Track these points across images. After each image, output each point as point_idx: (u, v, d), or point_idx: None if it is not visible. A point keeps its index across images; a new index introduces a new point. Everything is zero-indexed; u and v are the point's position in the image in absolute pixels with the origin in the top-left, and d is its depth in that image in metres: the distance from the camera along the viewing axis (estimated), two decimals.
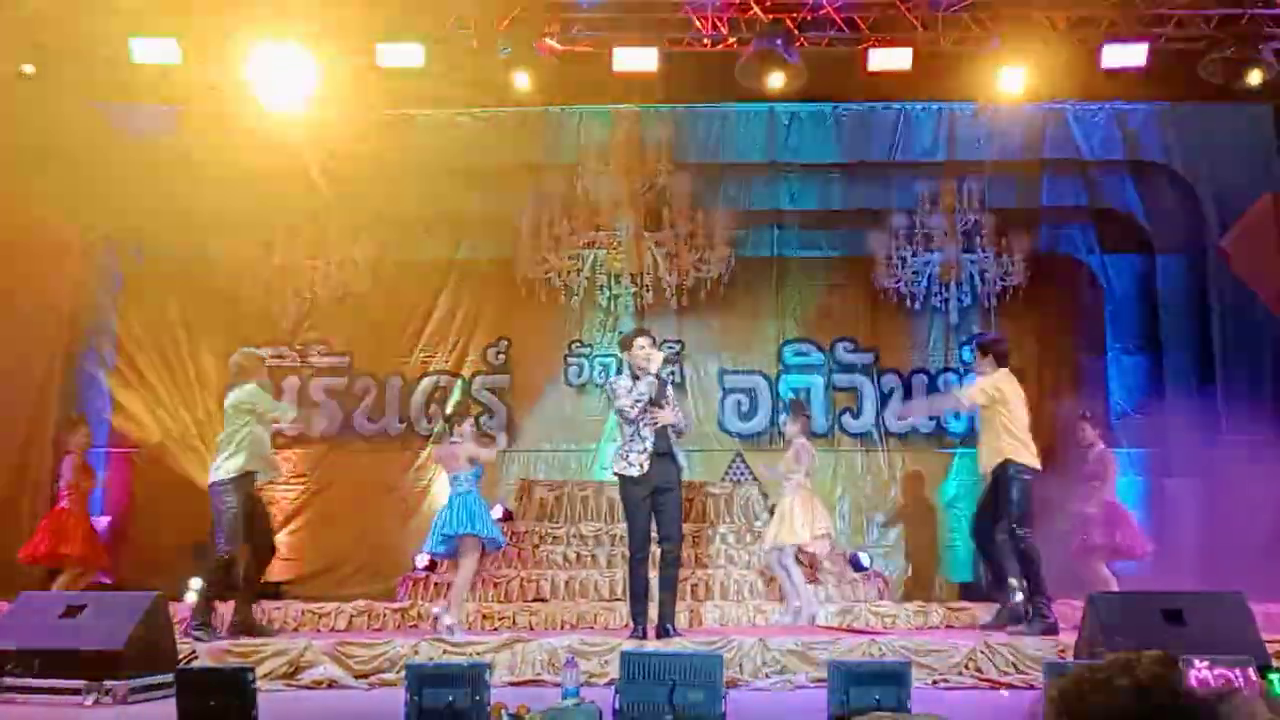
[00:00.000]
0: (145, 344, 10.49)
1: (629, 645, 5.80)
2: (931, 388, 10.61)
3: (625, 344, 6.72)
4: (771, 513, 8.70)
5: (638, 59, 9.67)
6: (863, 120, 10.71)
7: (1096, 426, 9.05)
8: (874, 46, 9.61)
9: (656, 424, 6.44)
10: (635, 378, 6.51)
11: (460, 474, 7.13)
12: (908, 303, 10.66)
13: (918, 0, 9.34)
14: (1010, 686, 5.84)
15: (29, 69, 9.14)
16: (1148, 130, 10.51)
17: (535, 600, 8.64)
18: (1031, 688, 5.70)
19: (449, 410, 7.62)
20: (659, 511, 6.48)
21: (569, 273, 10.67)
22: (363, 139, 10.58)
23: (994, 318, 10.57)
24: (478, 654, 6.02)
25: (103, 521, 9.66)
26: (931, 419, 10.56)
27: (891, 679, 4.60)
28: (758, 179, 10.86)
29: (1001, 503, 6.95)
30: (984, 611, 7.84)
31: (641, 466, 6.38)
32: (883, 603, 8.71)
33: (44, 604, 5.94)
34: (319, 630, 8.07)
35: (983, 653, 6.11)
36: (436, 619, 6.86)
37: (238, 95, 9.39)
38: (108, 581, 9.15)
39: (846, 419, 10.68)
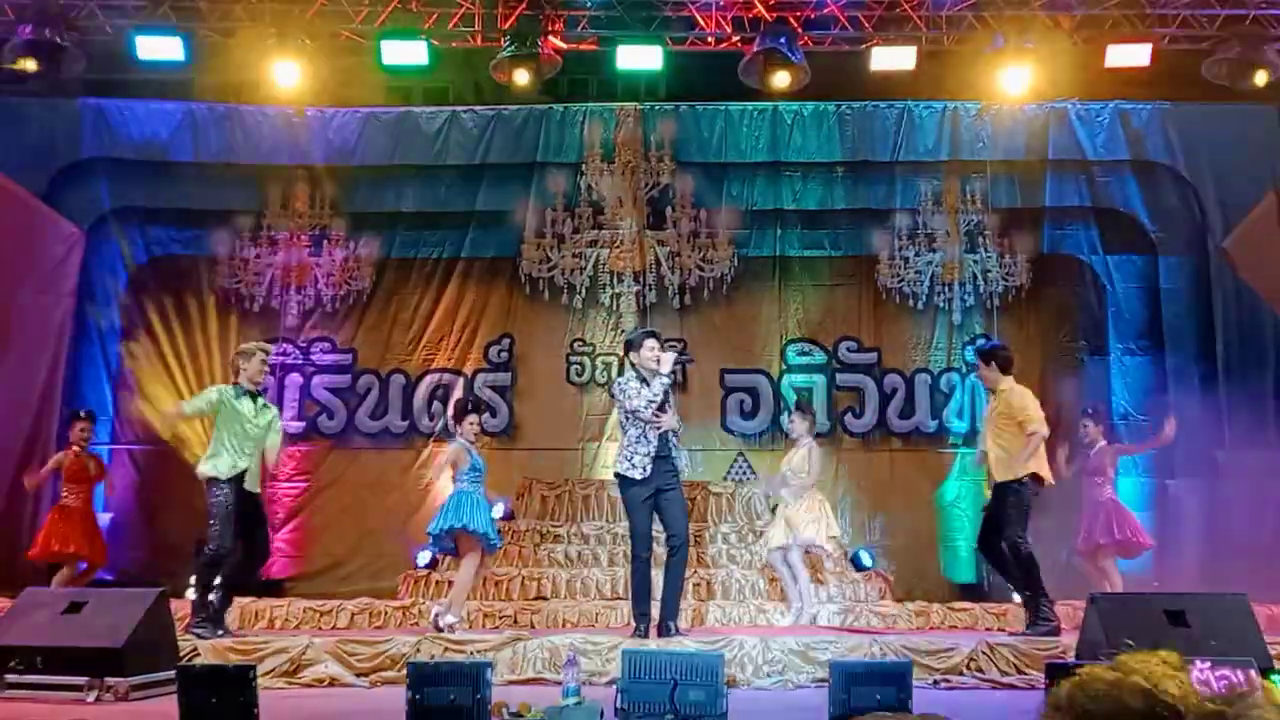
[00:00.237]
0: (147, 341, 10.49)
1: (630, 644, 5.79)
2: (934, 388, 10.59)
3: (633, 345, 6.67)
4: (773, 511, 8.70)
5: (641, 57, 9.68)
6: (866, 119, 10.70)
7: (1099, 423, 9.03)
8: (877, 45, 9.60)
9: (661, 427, 6.44)
10: (642, 379, 6.49)
11: (463, 472, 7.15)
12: (910, 302, 10.65)
13: None
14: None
15: (31, 65, 9.14)
16: (1151, 130, 10.49)
17: (536, 598, 8.64)
18: (1033, 688, 5.69)
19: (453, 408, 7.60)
20: (663, 510, 6.47)
21: (572, 271, 10.67)
22: (366, 136, 10.62)
23: (996, 318, 10.56)
24: (479, 652, 6.02)
25: (105, 518, 9.66)
26: (934, 419, 10.55)
27: (892, 679, 4.60)
28: (761, 178, 10.85)
29: (1006, 513, 6.86)
30: (984, 612, 7.83)
31: (645, 469, 6.39)
32: (884, 602, 8.71)
33: (46, 601, 5.94)
34: (320, 628, 8.07)
35: (984, 653, 6.11)
36: (437, 617, 6.84)
37: (241, 92, 9.41)
38: (109, 578, 9.15)
39: (849, 419, 10.67)
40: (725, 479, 10.32)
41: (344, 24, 9.51)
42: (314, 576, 10.15)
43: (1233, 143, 10.32)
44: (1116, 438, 9.85)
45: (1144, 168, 10.56)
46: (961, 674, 6.03)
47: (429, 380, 10.68)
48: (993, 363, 7.10)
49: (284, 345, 10.45)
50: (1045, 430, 6.85)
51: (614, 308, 10.73)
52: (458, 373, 10.71)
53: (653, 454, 6.41)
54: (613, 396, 9.94)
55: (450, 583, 8.60)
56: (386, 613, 8.31)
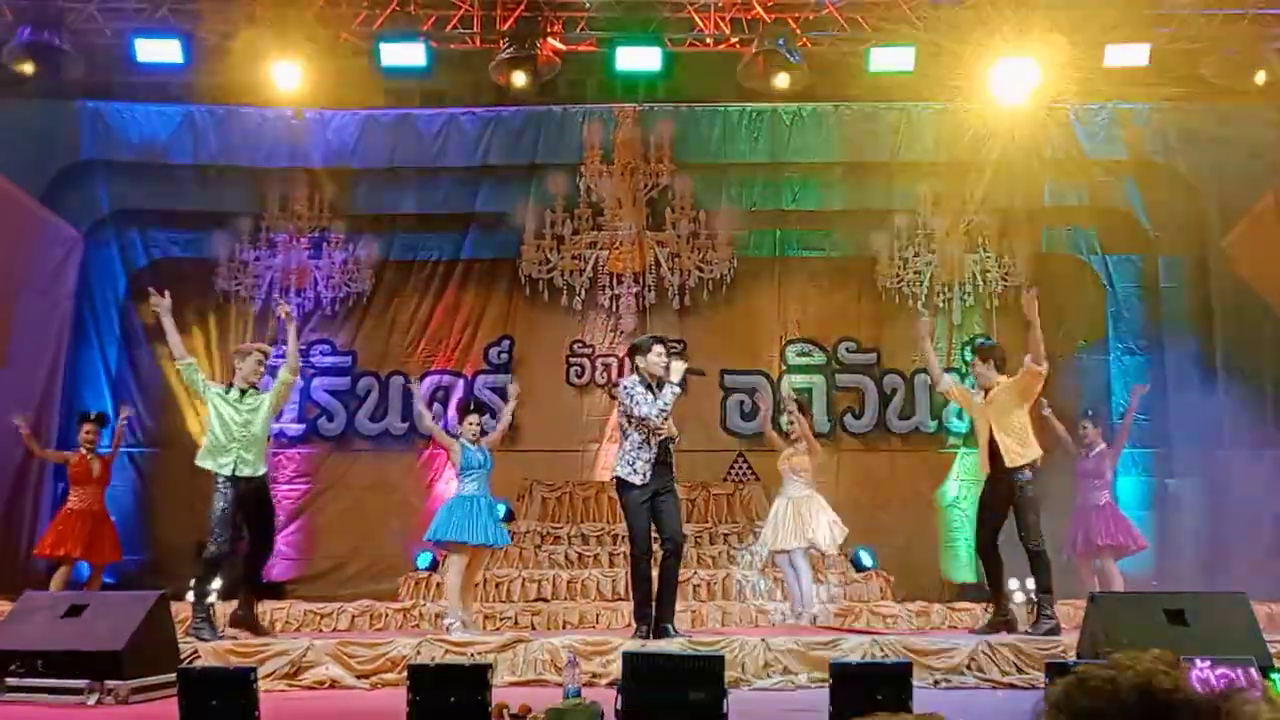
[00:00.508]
0: (146, 344, 10.50)
1: (631, 645, 5.79)
2: (933, 388, 10.56)
3: (640, 350, 6.61)
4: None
5: (640, 58, 9.69)
6: (865, 120, 10.70)
7: (1097, 425, 9.04)
8: (876, 46, 9.61)
9: (663, 434, 6.46)
10: (647, 384, 6.48)
11: (471, 474, 7.17)
12: (910, 303, 10.65)
13: (919, 0, 9.34)
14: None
15: (30, 68, 9.15)
16: (1150, 130, 10.49)
17: (537, 600, 8.65)
18: (1034, 688, 5.69)
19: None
20: (660, 512, 6.47)
21: (571, 272, 10.67)
22: (365, 138, 10.62)
23: (996, 318, 10.56)
24: (479, 654, 6.02)
25: None
26: (934, 419, 10.55)
27: (893, 679, 4.59)
28: (760, 179, 10.86)
29: (1023, 511, 6.84)
30: (985, 612, 7.82)
31: (646, 475, 6.40)
32: (884, 602, 8.72)
33: (46, 604, 5.94)
34: (321, 630, 8.08)
35: (984, 653, 6.10)
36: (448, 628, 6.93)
37: (240, 94, 9.42)
38: (110, 581, 9.15)
39: (849, 419, 10.68)
40: (725, 479, 10.32)
41: (342, 26, 9.52)
42: (314, 579, 10.17)
43: (1231, 142, 10.32)
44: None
45: (1143, 168, 10.57)
46: (962, 674, 6.03)
47: (429, 382, 10.67)
48: (990, 360, 7.13)
49: (282, 347, 10.43)
50: (1043, 365, 6.86)
51: (613, 309, 10.74)
52: (458, 374, 10.72)
53: (654, 460, 6.43)
54: (613, 398, 10.02)
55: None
56: (387, 615, 8.32)
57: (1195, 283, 10.40)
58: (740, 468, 10.52)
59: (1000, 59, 9.52)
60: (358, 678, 6.04)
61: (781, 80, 9.47)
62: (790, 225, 10.89)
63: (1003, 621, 6.87)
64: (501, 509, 9.19)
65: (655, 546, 6.57)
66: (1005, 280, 10.60)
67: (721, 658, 4.87)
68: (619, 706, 4.54)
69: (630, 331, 10.53)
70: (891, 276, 10.66)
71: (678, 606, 6.89)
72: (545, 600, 8.64)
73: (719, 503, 9.73)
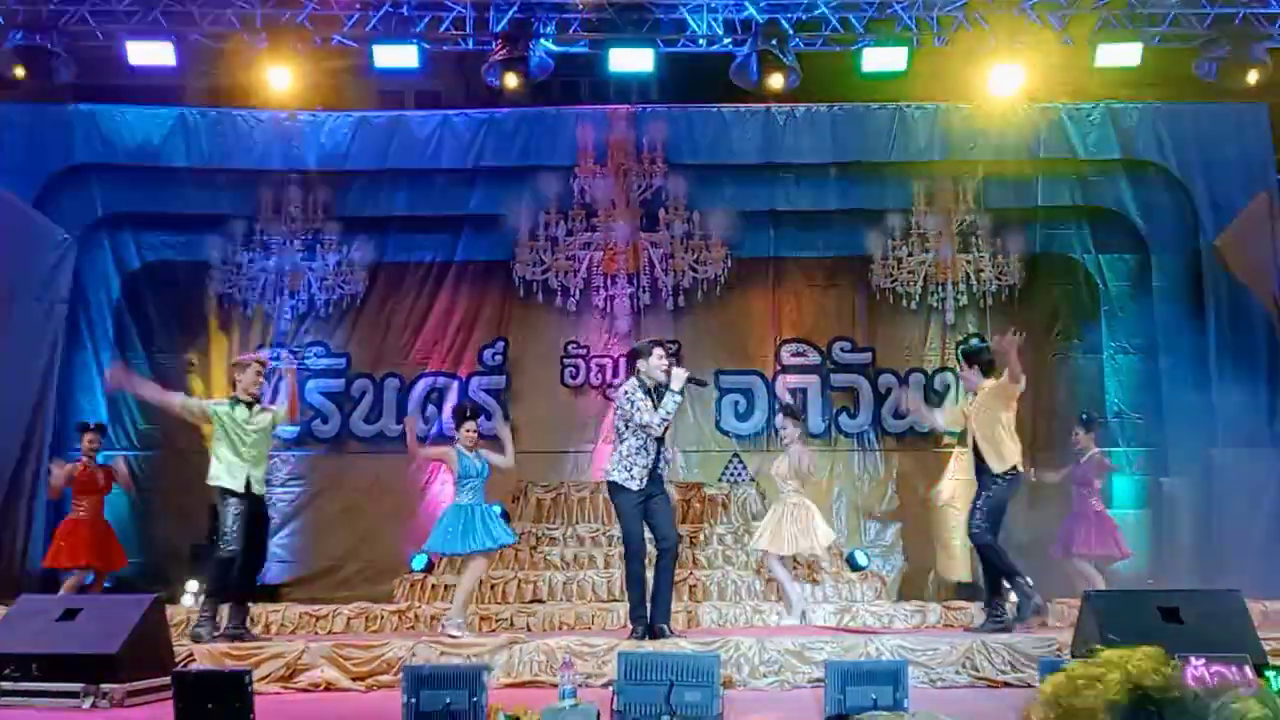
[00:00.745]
0: (140, 347, 10.48)
1: (626, 646, 5.80)
2: (928, 388, 10.62)
3: (641, 354, 6.61)
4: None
5: (633, 59, 9.69)
6: (858, 120, 10.70)
7: (1089, 430, 9.07)
8: (869, 47, 9.63)
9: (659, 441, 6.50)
10: (646, 389, 6.48)
11: (468, 481, 7.19)
12: (904, 303, 10.66)
13: (912, 0, 9.36)
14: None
15: (22, 71, 9.14)
16: (1142, 129, 10.50)
17: (532, 601, 8.64)
18: (1029, 686, 5.70)
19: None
20: (653, 514, 6.49)
21: (565, 274, 10.66)
22: (358, 140, 10.61)
23: (989, 317, 10.57)
24: (475, 655, 6.02)
25: None
26: None
27: (888, 678, 4.61)
28: (754, 179, 10.85)
29: (994, 502, 6.92)
30: (980, 611, 7.84)
31: (642, 480, 6.42)
32: (879, 602, 8.73)
33: (41, 608, 5.94)
34: (316, 633, 8.06)
35: (979, 651, 6.12)
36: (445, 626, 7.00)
37: (233, 97, 9.41)
38: (106, 585, 9.13)
39: (843, 419, 10.69)
40: (720, 480, 10.33)
41: (335, 28, 9.51)
42: (310, 581, 10.14)
43: (1223, 141, 10.36)
44: (1111, 439, 9.93)
45: (1135, 167, 10.59)
46: (957, 673, 6.04)
47: (423, 384, 10.68)
48: (975, 365, 7.19)
49: (278, 350, 10.43)
50: (1021, 383, 6.94)
51: (608, 310, 10.73)
52: (452, 376, 10.70)
53: (650, 466, 6.45)
54: (608, 399, 10.01)
55: (447, 585, 8.64)
56: (383, 617, 8.31)
57: (1188, 282, 10.42)
58: (735, 468, 10.53)
59: (992, 59, 9.55)
60: (353, 680, 6.05)
61: (774, 80, 9.47)
62: (784, 225, 10.88)
63: (999, 621, 6.88)
64: (497, 509, 9.20)
65: (650, 547, 6.59)
66: (999, 279, 10.62)
67: (717, 658, 4.89)
68: (615, 707, 4.55)
69: (625, 333, 10.53)
70: (886, 276, 10.67)
71: (673, 607, 6.91)
72: (541, 601, 8.63)
73: (714, 503, 9.73)
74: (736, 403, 10.72)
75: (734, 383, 10.75)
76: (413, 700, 4.39)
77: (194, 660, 5.98)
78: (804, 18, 9.55)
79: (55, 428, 9.83)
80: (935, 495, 10.39)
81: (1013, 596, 7.04)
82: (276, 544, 10.08)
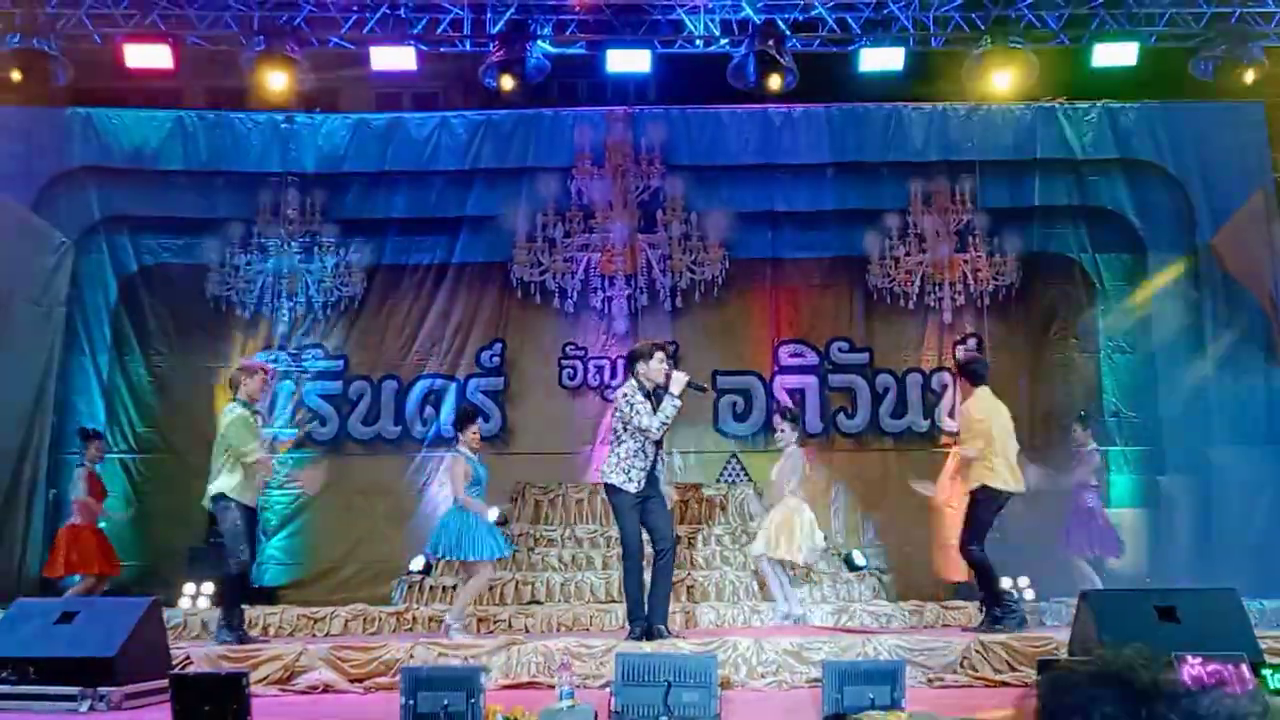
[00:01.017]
0: (138, 350, 10.47)
1: (624, 647, 5.80)
2: (926, 387, 10.63)
3: (641, 356, 6.58)
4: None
5: (630, 61, 9.70)
6: (855, 120, 10.72)
7: (1088, 428, 9.08)
8: (865, 47, 9.64)
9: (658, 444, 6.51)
10: (645, 391, 6.48)
11: (478, 489, 7.20)
12: (901, 302, 10.67)
13: (908, 0, 9.38)
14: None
15: (19, 75, 9.15)
16: (1139, 129, 10.53)
17: (530, 603, 8.64)
18: (1026, 685, 5.70)
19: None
20: (649, 516, 6.49)
21: (563, 275, 10.67)
22: (356, 142, 10.61)
23: (987, 317, 10.58)
24: (473, 657, 6.02)
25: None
26: (926, 418, 10.58)
27: (886, 678, 4.60)
28: (751, 180, 10.86)
29: (968, 519, 7.00)
30: (977, 611, 7.84)
31: (639, 482, 6.42)
32: (877, 602, 8.73)
33: (38, 611, 5.93)
34: (314, 635, 8.06)
35: (977, 651, 6.12)
36: (447, 628, 7.00)
37: (231, 99, 9.41)
38: (104, 588, 9.14)
39: (841, 419, 10.69)
40: (718, 481, 10.33)
41: (332, 30, 9.52)
42: (308, 583, 10.13)
43: (1220, 140, 10.37)
44: (1108, 438, 9.94)
45: (1132, 166, 10.61)
46: (955, 673, 6.04)
47: (421, 386, 10.67)
48: (961, 377, 7.31)
49: (276, 353, 10.44)
50: (972, 453, 6.95)
51: (606, 311, 10.73)
52: (450, 378, 10.70)
53: (648, 468, 6.46)
54: (606, 400, 10.02)
55: (445, 587, 8.64)
56: (380, 619, 8.30)
57: (1185, 281, 10.43)
58: (733, 469, 10.53)
59: (989, 59, 9.56)
60: (351, 681, 6.04)
61: (771, 81, 9.48)
62: (781, 226, 10.89)
63: (998, 620, 6.88)
64: (495, 512, 9.20)
65: (648, 548, 6.59)
66: (996, 279, 10.63)
67: (714, 658, 4.89)
68: (613, 708, 4.55)
69: (623, 334, 10.53)
70: (883, 276, 10.68)
71: (671, 608, 6.91)
72: (539, 603, 8.63)
73: (711, 504, 9.73)
74: (735, 403, 10.72)
75: (732, 383, 10.75)
76: (411, 702, 4.39)
77: (191, 663, 5.98)
78: (801, 18, 9.57)
79: (53, 430, 9.82)
80: (931, 492, 10.37)
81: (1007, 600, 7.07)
82: (274, 546, 10.11)
